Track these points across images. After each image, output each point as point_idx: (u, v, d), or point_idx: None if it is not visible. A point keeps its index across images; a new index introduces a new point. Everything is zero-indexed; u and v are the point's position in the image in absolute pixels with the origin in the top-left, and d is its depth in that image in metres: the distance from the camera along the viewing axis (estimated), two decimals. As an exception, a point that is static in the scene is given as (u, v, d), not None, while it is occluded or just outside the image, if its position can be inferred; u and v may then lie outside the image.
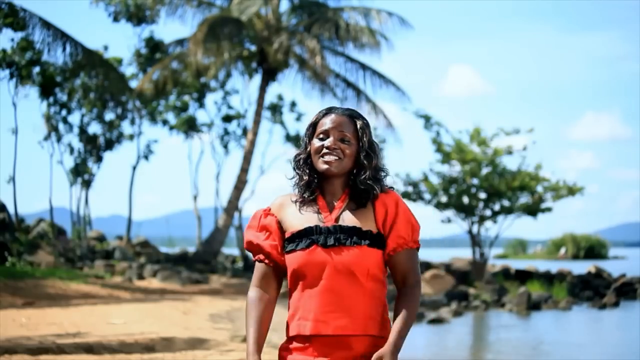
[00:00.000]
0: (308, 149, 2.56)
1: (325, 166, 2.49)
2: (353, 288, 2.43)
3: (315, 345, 2.44)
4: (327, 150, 2.49)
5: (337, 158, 2.49)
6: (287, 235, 2.53)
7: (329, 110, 2.57)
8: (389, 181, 2.60)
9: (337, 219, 2.49)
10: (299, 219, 2.53)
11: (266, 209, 2.61)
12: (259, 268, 2.58)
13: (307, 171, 2.55)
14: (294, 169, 2.60)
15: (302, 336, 2.46)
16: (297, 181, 2.59)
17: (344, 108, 2.58)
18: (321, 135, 2.52)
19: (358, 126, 2.54)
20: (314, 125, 2.57)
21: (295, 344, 2.49)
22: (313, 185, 2.55)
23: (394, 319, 2.44)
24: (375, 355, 2.36)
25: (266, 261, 2.56)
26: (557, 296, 20.89)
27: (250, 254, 2.68)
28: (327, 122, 2.53)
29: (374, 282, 2.46)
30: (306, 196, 2.55)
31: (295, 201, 2.56)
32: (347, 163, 2.50)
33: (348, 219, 2.49)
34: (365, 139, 2.53)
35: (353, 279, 2.43)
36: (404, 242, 2.49)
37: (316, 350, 2.44)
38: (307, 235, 2.47)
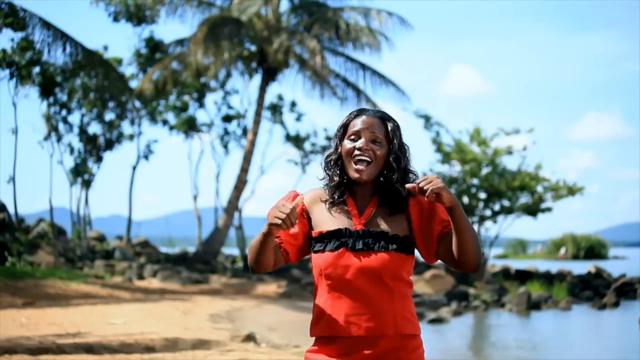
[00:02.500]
0: (339, 150, 2.56)
1: (357, 175, 2.50)
2: (381, 290, 2.45)
3: (343, 345, 2.45)
4: (358, 152, 2.50)
5: (369, 161, 2.49)
6: (314, 234, 2.54)
7: (360, 112, 2.57)
8: None
9: (366, 223, 2.51)
10: (328, 219, 2.54)
11: (299, 195, 2.61)
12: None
13: (338, 172, 2.56)
14: (325, 169, 2.61)
15: (330, 337, 2.47)
16: (327, 182, 2.59)
17: (375, 110, 2.59)
18: (352, 137, 2.53)
19: (389, 128, 2.54)
20: (345, 127, 2.57)
21: (321, 345, 2.50)
22: (343, 187, 2.56)
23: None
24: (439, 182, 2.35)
25: (280, 242, 2.57)
26: (557, 296, 20.88)
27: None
28: (358, 123, 2.53)
29: (401, 284, 2.49)
30: (336, 197, 2.55)
31: (325, 201, 2.57)
32: (377, 166, 2.51)
33: (377, 223, 2.50)
34: (396, 141, 2.54)
35: (381, 282, 2.45)
36: (448, 223, 2.48)
37: (344, 350, 2.45)
38: (336, 237, 2.49)
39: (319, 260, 2.49)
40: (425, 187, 2.35)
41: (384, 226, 2.49)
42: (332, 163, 2.58)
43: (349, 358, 2.44)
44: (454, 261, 2.46)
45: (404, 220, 2.52)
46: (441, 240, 2.50)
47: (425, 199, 2.38)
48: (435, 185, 2.35)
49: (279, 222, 2.36)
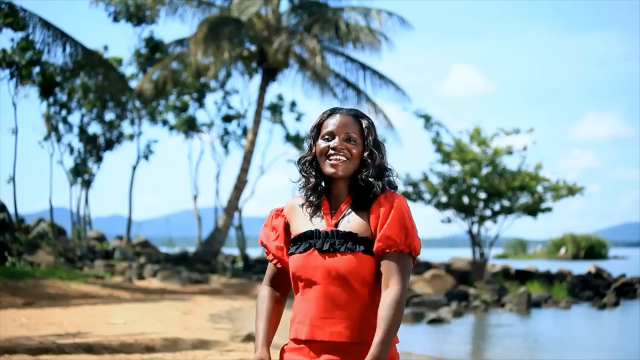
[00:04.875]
0: (313, 151, 2.53)
1: (332, 170, 2.46)
2: (348, 294, 2.39)
3: (310, 349, 2.43)
4: (333, 151, 2.47)
5: (344, 159, 2.46)
6: (292, 236, 2.52)
7: (333, 111, 2.54)
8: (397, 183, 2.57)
9: (337, 224, 2.46)
10: (303, 222, 2.51)
11: (279, 209, 2.60)
12: (270, 267, 2.60)
13: (313, 173, 2.53)
14: (300, 171, 2.56)
15: (299, 340, 2.46)
16: (303, 184, 2.55)
17: (348, 108, 2.55)
18: (326, 136, 2.49)
19: (363, 125, 2.51)
20: (318, 127, 2.53)
21: (292, 345, 2.49)
22: (319, 188, 2.53)
23: (377, 325, 2.34)
24: None
25: (274, 261, 2.57)
26: (557, 296, 20.88)
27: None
28: (332, 123, 2.50)
29: (370, 289, 2.42)
30: (313, 199, 2.52)
31: (302, 205, 2.54)
32: (353, 163, 2.48)
33: (347, 224, 2.45)
34: (370, 138, 2.50)
35: (348, 285, 2.39)
36: (393, 243, 2.38)
37: (312, 354, 2.43)
38: (306, 239, 2.46)
39: (292, 262, 2.47)
40: None
41: (353, 227, 2.44)
42: (307, 164, 2.54)
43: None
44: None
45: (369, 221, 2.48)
46: (378, 257, 2.40)
47: None
48: None
49: None
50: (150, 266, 20.27)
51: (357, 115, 2.53)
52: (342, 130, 2.48)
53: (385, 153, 2.54)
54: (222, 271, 21.74)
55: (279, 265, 2.56)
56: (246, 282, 20.23)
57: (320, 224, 2.48)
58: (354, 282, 2.39)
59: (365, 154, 2.48)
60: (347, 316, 2.39)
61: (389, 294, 2.35)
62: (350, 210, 2.48)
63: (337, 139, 2.48)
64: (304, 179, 2.55)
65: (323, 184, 2.54)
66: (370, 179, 2.46)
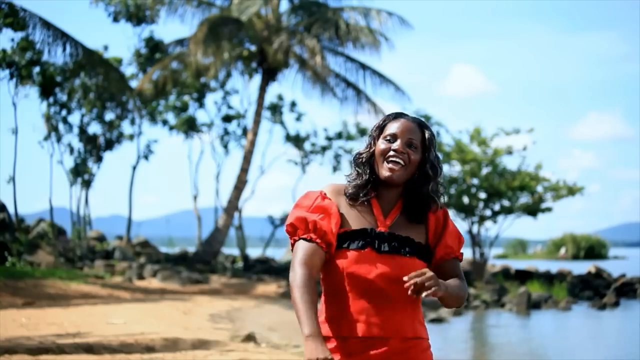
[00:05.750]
0: (372, 150, 2.54)
1: (389, 173, 2.47)
2: (401, 295, 2.43)
3: (358, 345, 2.43)
4: (393, 153, 2.48)
5: (402, 164, 2.47)
6: (341, 230, 2.49)
7: (398, 115, 2.55)
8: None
9: (391, 226, 2.50)
10: (353, 216, 2.50)
11: (322, 192, 2.54)
12: (307, 247, 2.43)
13: (368, 171, 2.53)
14: (355, 166, 2.57)
15: (346, 337, 2.44)
16: (354, 178, 2.55)
17: (413, 116, 2.57)
18: (388, 138, 2.51)
19: (426, 136, 2.52)
20: (381, 128, 2.55)
21: (335, 344, 2.45)
22: (370, 187, 2.53)
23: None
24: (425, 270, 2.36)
25: (318, 241, 2.43)
26: (557, 296, 20.89)
27: (287, 236, 2.53)
28: (395, 126, 2.51)
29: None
30: (361, 195, 2.52)
31: (348, 196, 2.52)
32: (409, 171, 2.49)
33: (401, 228, 2.50)
34: (432, 150, 2.53)
35: (401, 286, 2.41)
36: (452, 250, 2.56)
37: (359, 349, 2.43)
38: (362, 237, 2.46)
39: (343, 257, 2.45)
40: (424, 283, 2.32)
41: (408, 232, 2.50)
42: (362, 161, 2.55)
43: (361, 357, 2.43)
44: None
45: (422, 230, 2.53)
46: (438, 265, 2.55)
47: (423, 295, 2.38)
48: (431, 287, 2.33)
49: None
50: (150, 266, 20.27)
51: (421, 125, 2.55)
52: (406, 134, 2.50)
53: (442, 167, 2.58)
54: (222, 271, 21.74)
55: (322, 245, 2.43)
56: (246, 282, 20.24)
57: (371, 223, 2.49)
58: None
59: (428, 166, 2.51)
60: (402, 314, 2.46)
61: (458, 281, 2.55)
62: (402, 215, 2.53)
63: (399, 141, 2.50)
64: (356, 174, 2.56)
65: (374, 183, 2.54)
66: (432, 194, 2.51)
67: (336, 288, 2.47)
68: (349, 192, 2.53)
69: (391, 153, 2.48)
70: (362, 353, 2.43)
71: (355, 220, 2.49)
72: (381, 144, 2.50)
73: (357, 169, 2.56)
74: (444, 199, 2.58)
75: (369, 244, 2.44)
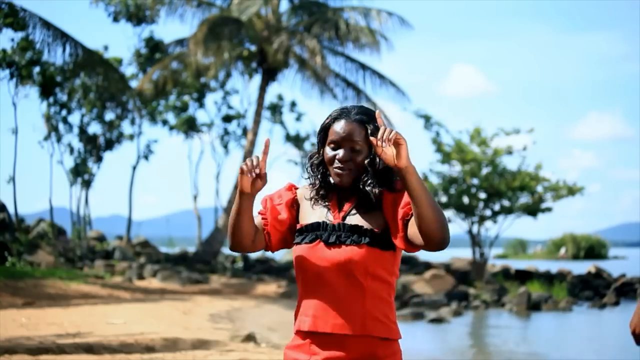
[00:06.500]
0: (321, 154, 2.58)
1: (337, 179, 2.51)
2: (353, 287, 2.42)
3: (312, 342, 2.45)
4: (338, 164, 2.50)
5: (348, 171, 2.49)
6: (297, 227, 2.56)
7: (339, 115, 2.54)
8: None
9: (343, 217, 2.51)
10: (310, 213, 2.57)
11: (294, 185, 2.66)
12: (257, 220, 2.59)
13: (319, 177, 2.59)
14: (307, 170, 2.63)
15: (302, 332, 2.49)
16: (311, 181, 2.62)
17: (355, 111, 2.53)
18: (332, 145, 2.52)
19: (369, 131, 2.51)
20: (325, 130, 2.57)
21: (296, 341, 2.51)
22: (325, 187, 2.59)
23: None
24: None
25: (264, 222, 2.58)
26: (557, 296, 20.87)
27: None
28: (337, 131, 2.51)
29: (375, 282, 2.44)
30: (320, 194, 2.58)
31: (310, 198, 2.59)
32: (357, 172, 2.51)
33: (354, 218, 2.50)
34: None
35: (352, 278, 2.42)
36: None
37: (312, 348, 2.45)
38: (313, 230, 2.50)
39: (296, 252, 2.52)
40: (386, 136, 2.30)
41: (359, 221, 2.49)
42: (314, 166, 2.60)
43: (321, 356, 2.43)
44: (422, 241, 2.36)
45: (380, 216, 2.50)
46: (407, 223, 2.42)
47: (383, 148, 2.31)
48: (395, 135, 2.29)
49: (244, 167, 2.44)
50: (150, 266, 20.27)
51: (363, 121, 2.52)
52: (347, 140, 2.50)
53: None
54: (222, 271, 21.74)
55: (265, 227, 2.57)
56: (246, 282, 20.24)
57: (327, 217, 2.53)
58: (357, 274, 2.43)
59: (366, 162, 2.50)
60: (350, 309, 2.42)
61: None
62: (358, 206, 2.53)
63: (341, 151, 2.51)
64: (311, 178, 2.62)
65: (328, 186, 2.59)
66: (367, 187, 2.49)
67: (299, 283, 2.54)
68: (310, 195, 2.59)
69: (336, 164, 2.50)
70: (315, 351, 2.44)
71: (313, 216, 2.55)
72: (328, 152, 2.53)
73: (310, 172, 2.62)
74: (391, 185, 2.51)
75: (319, 237, 2.48)
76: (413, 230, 2.39)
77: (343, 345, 2.42)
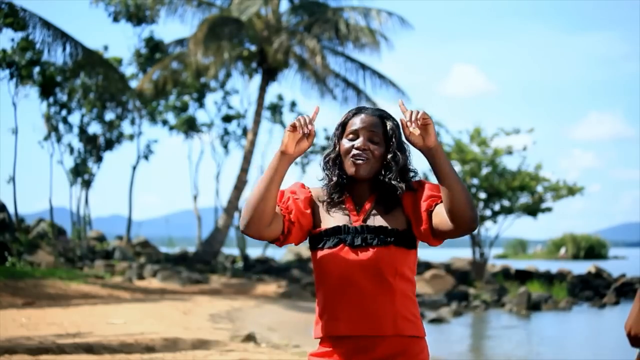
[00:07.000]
0: (337, 149, 2.55)
1: (354, 169, 2.48)
2: (382, 288, 2.41)
3: (344, 347, 2.42)
4: (356, 151, 2.48)
5: (366, 159, 2.47)
6: (314, 232, 2.51)
7: (358, 110, 2.55)
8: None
9: (364, 220, 2.48)
10: (327, 218, 2.52)
11: (302, 184, 2.60)
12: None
13: (337, 172, 2.54)
14: (323, 169, 2.58)
15: (332, 337, 2.45)
16: (326, 182, 2.57)
17: (374, 108, 2.56)
18: (350, 136, 2.51)
19: (388, 127, 2.52)
20: (343, 125, 2.55)
21: (324, 348, 2.46)
22: (341, 187, 2.54)
23: None
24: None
25: (284, 212, 2.48)
26: (557, 296, 20.87)
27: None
28: (356, 122, 2.51)
29: (402, 281, 2.44)
30: (335, 197, 2.53)
31: (324, 201, 2.54)
32: (375, 165, 2.49)
33: (375, 219, 2.48)
34: (394, 139, 2.52)
35: (381, 279, 2.41)
36: (437, 197, 2.44)
37: (344, 353, 2.41)
38: (335, 234, 2.46)
39: (318, 258, 2.47)
40: (414, 118, 2.32)
41: (382, 221, 2.46)
42: (330, 162, 2.56)
43: (340, 356, 2.41)
44: (451, 225, 2.35)
45: (401, 215, 2.49)
46: (432, 214, 2.42)
47: (411, 130, 2.34)
48: (423, 116, 2.32)
49: (297, 122, 2.36)
50: (150, 266, 20.27)
51: (382, 116, 2.54)
52: (366, 130, 2.50)
53: (409, 155, 2.56)
54: (222, 271, 21.74)
55: (288, 215, 2.47)
56: (246, 282, 20.23)
57: (346, 220, 2.49)
58: (387, 275, 2.42)
59: (389, 156, 2.49)
60: (381, 309, 2.41)
61: None
62: (376, 207, 2.51)
63: (360, 139, 2.50)
64: (326, 177, 2.57)
65: (345, 182, 2.54)
66: (392, 182, 2.48)
67: (319, 288, 2.50)
68: (323, 199, 2.54)
69: (354, 152, 2.48)
70: (346, 355, 2.41)
71: (331, 220, 2.50)
72: (345, 143, 2.51)
73: (326, 171, 2.57)
74: (410, 185, 2.52)
75: (342, 241, 2.44)
76: (439, 219, 2.40)
77: (375, 346, 2.40)
